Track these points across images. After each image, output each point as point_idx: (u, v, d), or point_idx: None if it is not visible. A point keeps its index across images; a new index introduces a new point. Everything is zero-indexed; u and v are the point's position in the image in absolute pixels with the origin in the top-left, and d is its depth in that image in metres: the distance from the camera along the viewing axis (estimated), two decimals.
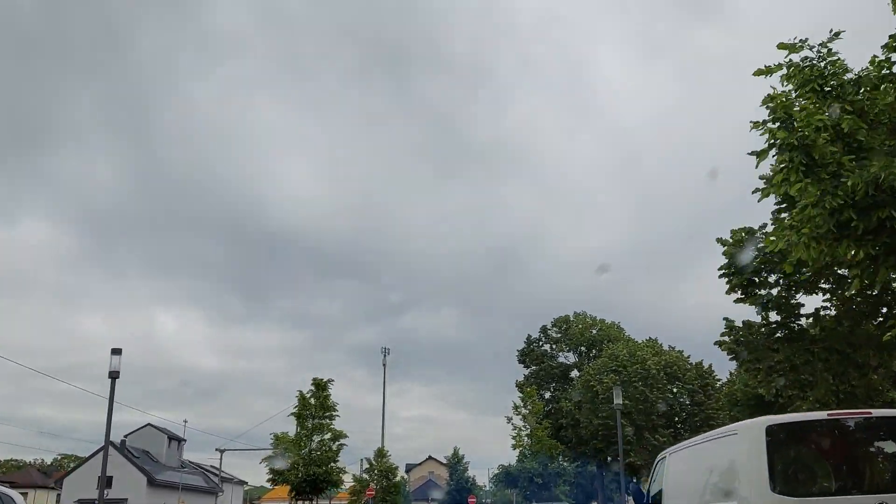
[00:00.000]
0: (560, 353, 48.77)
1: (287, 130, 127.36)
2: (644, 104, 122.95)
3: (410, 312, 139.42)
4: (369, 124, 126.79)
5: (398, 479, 50.94)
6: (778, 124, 9.14)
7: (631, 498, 11.30)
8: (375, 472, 47.91)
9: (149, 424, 52.71)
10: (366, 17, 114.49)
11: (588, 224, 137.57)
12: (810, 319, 17.51)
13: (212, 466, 63.73)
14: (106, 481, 46.73)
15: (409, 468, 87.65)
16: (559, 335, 48.07)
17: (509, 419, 40.66)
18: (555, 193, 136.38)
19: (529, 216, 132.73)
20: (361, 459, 50.73)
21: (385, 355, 72.13)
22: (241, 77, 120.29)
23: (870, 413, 6.80)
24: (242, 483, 67.38)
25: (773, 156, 9.56)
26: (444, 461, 66.31)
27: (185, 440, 56.84)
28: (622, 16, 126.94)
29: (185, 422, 64.37)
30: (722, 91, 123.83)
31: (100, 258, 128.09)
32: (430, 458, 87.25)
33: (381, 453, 49.37)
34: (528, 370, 46.77)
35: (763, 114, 9.44)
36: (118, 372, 17.70)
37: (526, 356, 49.73)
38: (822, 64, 9.30)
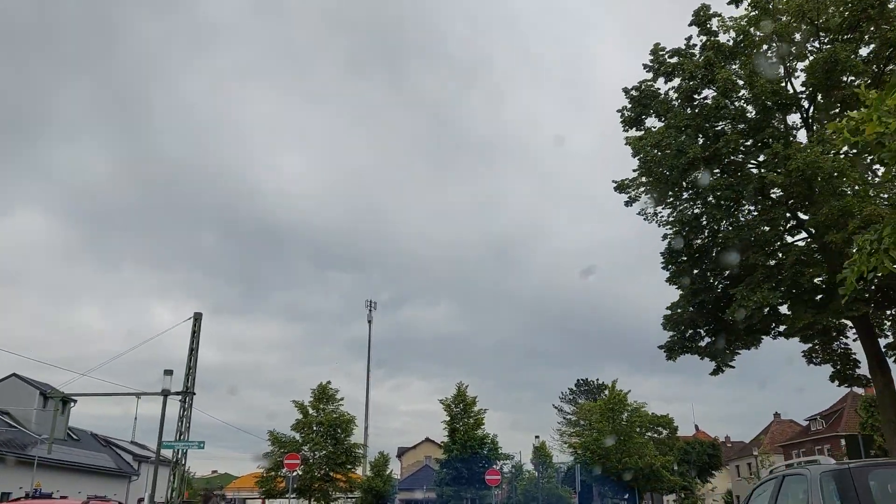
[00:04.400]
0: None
1: (283, 122, 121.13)
2: None
3: (409, 306, 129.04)
4: (366, 116, 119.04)
5: (356, 444, 32.17)
6: None
7: None
8: (313, 426, 30.23)
9: (14, 375, 37.94)
10: (362, 8, 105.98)
11: (587, 217, 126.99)
12: None
13: (132, 442, 49.25)
14: None
15: (402, 452, 72.25)
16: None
17: None
18: (554, 187, 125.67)
19: (528, 210, 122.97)
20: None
21: (371, 310, 58.35)
22: (236, 67, 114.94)
23: None
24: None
25: None
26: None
27: (74, 401, 41.91)
28: (621, 9, 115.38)
29: (139, 397, 50.44)
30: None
31: (94, 250, 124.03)
32: (427, 439, 71.68)
33: (324, 391, 31.45)
34: (637, 145, 19.46)
35: None
36: None
37: (642, 108, 20.53)
38: None
